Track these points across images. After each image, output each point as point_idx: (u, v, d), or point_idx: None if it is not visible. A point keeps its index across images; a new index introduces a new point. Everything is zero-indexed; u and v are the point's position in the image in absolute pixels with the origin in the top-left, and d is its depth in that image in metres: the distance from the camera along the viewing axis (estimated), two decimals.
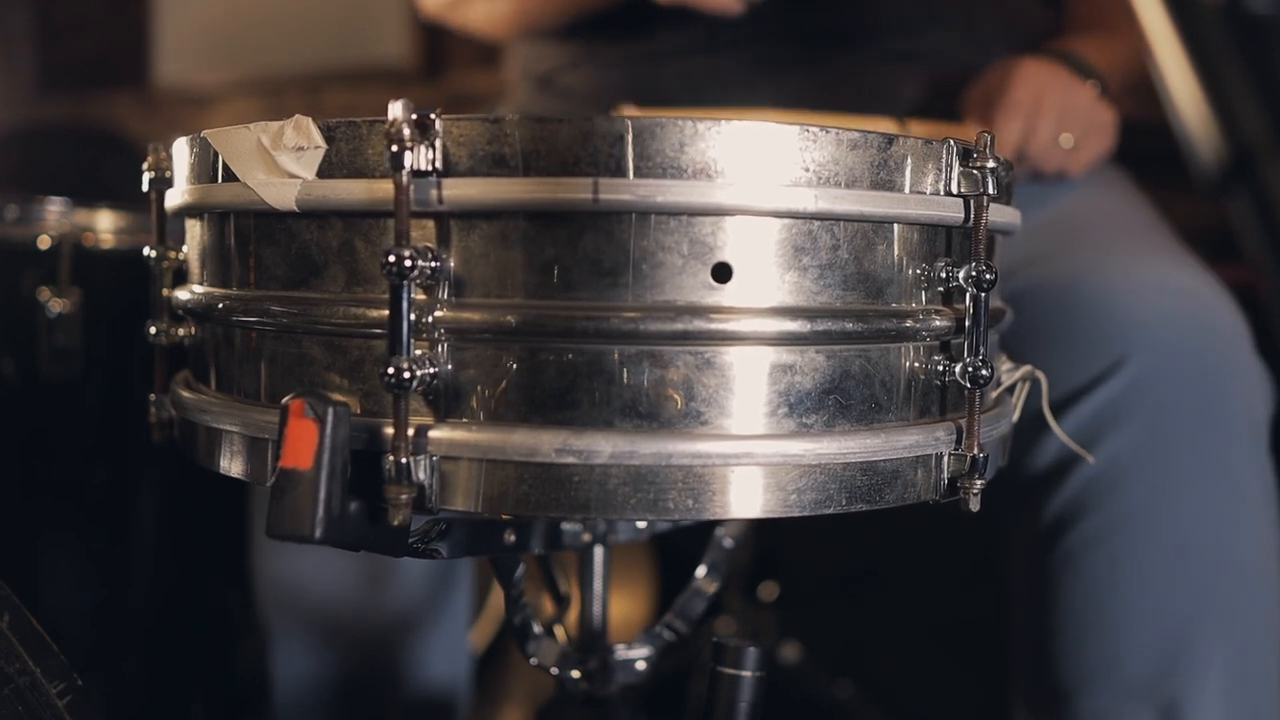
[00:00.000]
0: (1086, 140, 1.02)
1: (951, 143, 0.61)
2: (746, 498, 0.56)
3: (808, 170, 0.56)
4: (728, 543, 0.93)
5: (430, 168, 0.55)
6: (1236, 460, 0.93)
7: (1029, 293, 0.94)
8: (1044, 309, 0.94)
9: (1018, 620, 1.03)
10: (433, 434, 0.56)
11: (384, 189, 0.55)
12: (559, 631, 0.88)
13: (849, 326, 0.58)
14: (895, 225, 0.60)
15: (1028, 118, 0.99)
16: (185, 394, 0.68)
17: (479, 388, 0.56)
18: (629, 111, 1.01)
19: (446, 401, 0.57)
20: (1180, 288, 0.94)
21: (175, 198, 0.69)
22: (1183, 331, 0.92)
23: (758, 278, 0.56)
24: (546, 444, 0.55)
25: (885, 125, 1.01)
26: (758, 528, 1.42)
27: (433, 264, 0.55)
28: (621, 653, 0.87)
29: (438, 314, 0.56)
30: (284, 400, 0.55)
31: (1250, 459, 0.94)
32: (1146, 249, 1.00)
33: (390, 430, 0.55)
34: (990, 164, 0.60)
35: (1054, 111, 0.99)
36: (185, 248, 0.72)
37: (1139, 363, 0.91)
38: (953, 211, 0.61)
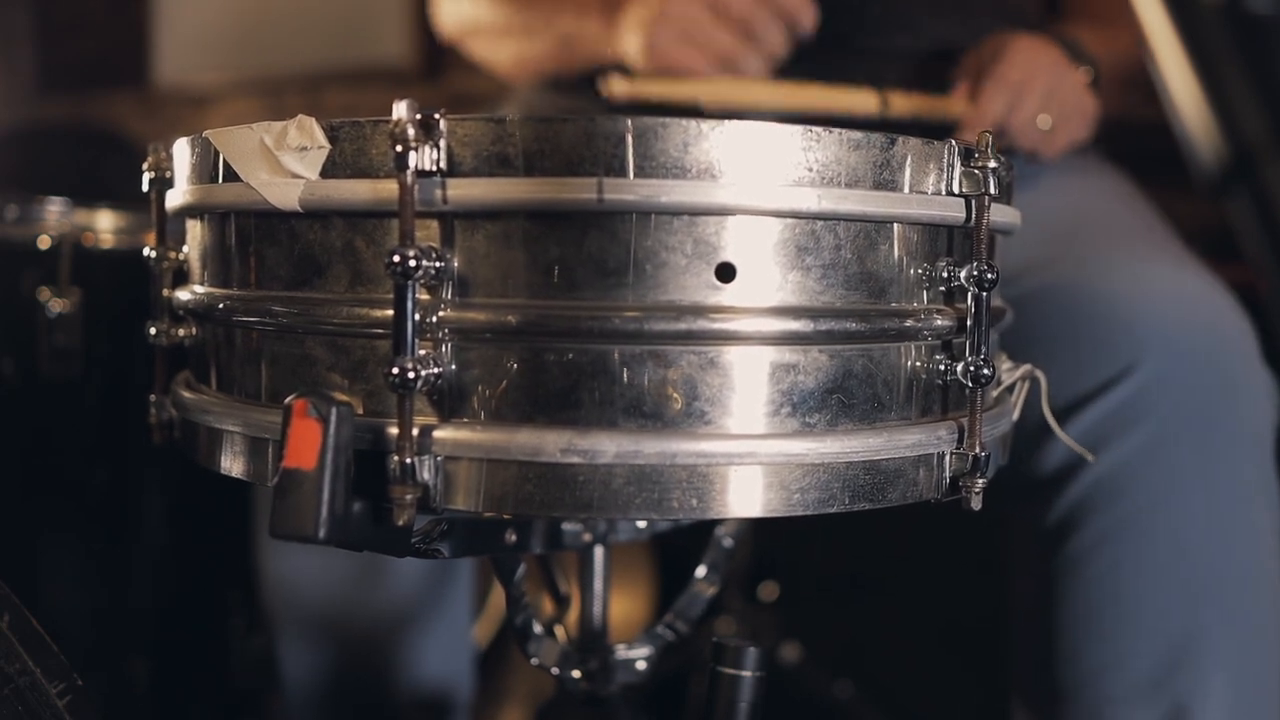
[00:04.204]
0: (1065, 124, 1.02)
1: (953, 143, 0.61)
2: (750, 497, 0.56)
3: (810, 170, 0.56)
4: (727, 542, 0.93)
5: (434, 168, 0.55)
6: (1241, 466, 0.93)
7: (1036, 297, 0.94)
8: (1051, 313, 0.94)
9: (1020, 621, 1.03)
10: (437, 434, 0.56)
11: (388, 189, 0.55)
12: (559, 631, 0.88)
13: (852, 326, 0.58)
14: (897, 225, 0.60)
15: (1014, 94, 0.98)
16: (186, 394, 0.68)
17: (482, 388, 0.56)
18: (616, 81, 1.00)
19: (450, 401, 0.57)
20: (1188, 293, 0.94)
21: (176, 198, 0.69)
22: (1191, 338, 0.91)
23: (761, 277, 0.56)
24: (551, 444, 0.55)
25: (865, 97, 1.02)
26: (757, 528, 1.42)
27: (437, 264, 0.55)
28: (621, 653, 0.87)
29: (442, 314, 0.56)
30: (287, 400, 0.55)
31: (1255, 464, 0.94)
32: (1154, 253, 0.99)
33: (394, 430, 0.55)
34: (992, 164, 0.61)
35: (1039, 92, 0.99)
36: (186, 248, 0.72)
37: (1147, 369, 0.91)
38: (954, 211, 0.61)
